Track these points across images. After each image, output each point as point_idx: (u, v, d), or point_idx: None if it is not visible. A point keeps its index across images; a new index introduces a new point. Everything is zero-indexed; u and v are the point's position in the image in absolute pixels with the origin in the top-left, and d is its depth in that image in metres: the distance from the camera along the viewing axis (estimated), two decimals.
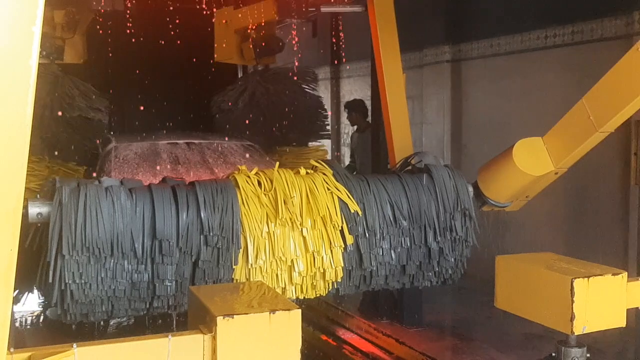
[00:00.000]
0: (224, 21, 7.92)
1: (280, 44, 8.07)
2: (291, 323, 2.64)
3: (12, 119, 1.85)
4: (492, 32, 8.57)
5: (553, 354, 3.46)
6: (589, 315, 3.20)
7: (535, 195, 4.80)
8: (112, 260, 3.72)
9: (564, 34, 7.49)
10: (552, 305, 3.30)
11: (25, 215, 3.52)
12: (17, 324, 6.72)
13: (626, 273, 3.36)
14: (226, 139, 7.09)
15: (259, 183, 4.18)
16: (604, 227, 6.98)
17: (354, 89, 12.34)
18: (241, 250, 3.97)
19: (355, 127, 9.04)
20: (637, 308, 3.49)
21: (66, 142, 6.70)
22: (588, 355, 3.41)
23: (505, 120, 8.30)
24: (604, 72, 3.97)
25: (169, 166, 6.17)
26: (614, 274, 3.31)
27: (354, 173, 6.48)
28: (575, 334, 3.24)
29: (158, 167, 6.09)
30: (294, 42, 9.46)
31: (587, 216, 7.21)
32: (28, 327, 6.86)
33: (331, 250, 4.14)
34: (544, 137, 4.39)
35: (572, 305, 3.17)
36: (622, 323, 3.35)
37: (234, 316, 2.57)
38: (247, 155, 6.68)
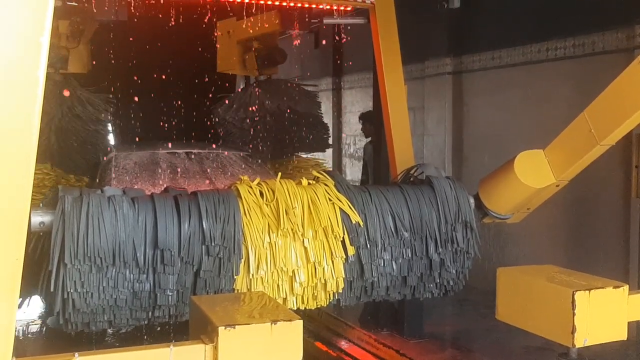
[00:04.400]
0: (226, 32, 7.95)
1: (283, 55, 8.09)
2: (293, 333, 2.65)
3: (19, 129, 1.86)
4: (494, 45, 8.60)
5: None
6: (590, 328, 3.20)
7: (537, 207, 4.81)
8: (114, 270, 3.72)
9: (566, 46, 7.53)
10: (553, 317, 3.30)
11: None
12: (17, 333, 6.71)
13: (627, 286, 3.36)
14: (226, 149, 7.12)
15: (261, 193, 4.19)
16: (605, 239, 6.98)
17: (356, 100, 12.37)
18: (242, 261, 3.98)
19: (370, 138, 9.04)
20: (639, 321, 3.49)
21: (69, 151, 6.72)
22: None
23: (506, 132, 8.32)
24: (605, 85, 3.99)
25: (168, 176, 6.18)
26: (615, 287, 3.31)
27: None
28: (577, 346, 3.24)
29: (157, 177, 6.10)
30: (296, 53, 9.50)
31: (588, 228, 7.22)
32: (28, 335, 6.85)
33: (332, 261, 4.14)
34: (545, 149, 4.40)
35: (573, 317, 3.17)
36: (624, 336, 3.35)
37: (236, 326, 2.57)
38: (247, 166, 6.70)
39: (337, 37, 12.15)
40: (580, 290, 3.20)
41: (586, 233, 7.23)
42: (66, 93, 6.39)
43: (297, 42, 9.61)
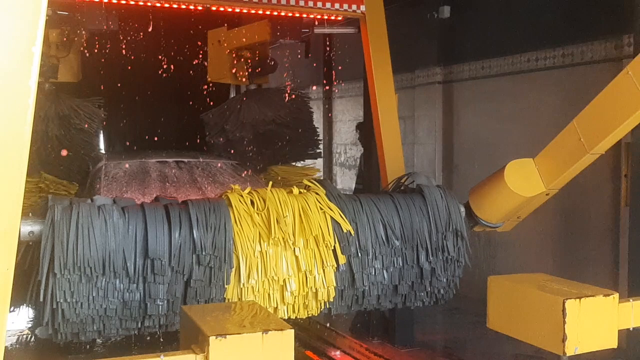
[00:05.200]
0: (217, 41, 7.95)
1: (273, 64, 8.10)
2: (284, 343, 2.64)
3: (11, 139, 1.85)
4: (483, 54, 8.66)
5: None
6: (580, 336, 3.21)
7: (527, 215, 4.83)
8: (104, 279, 3.69)
9: (555, 56, 7.58)
10: (544, 326, 3.31)
11: None
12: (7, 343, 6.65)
13: (617, 294, 3.37)
14: (215, 158, 7.12)
15: (252, 202, 4.19)
16: (595, 247, 7.01)
17: (346, 109, 12.40)
18: (233, 270, 3.96)
19: None
20: (629, 329, 3.50)
21: (59, 160, 6.69)
22: None
23: (496, 141, 8.36)
24: (595, 94, 4.01)
25: (158, 185, 6.17)
26: (605, 295, 3.32)
27: None
28: (567, 355, 3.24)
29: (147, 186, 6.09)
30: (286, 62, 9.52)
31: (578, 237, 7.25)
32: (17, 346, 6.80)
33: (323, 270, 4.13)
34: (535, 158, 4.42)
35: (564, 326, 3.18)
36: (614, 344, 3.36)
37: (227, 336, 2.56)
38: (237, 175, 6.69)
39: (327, 47, 12.19)
40: (570, 298, 3.21)
41: (576, 241, 7.26)
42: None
43: (288, 51, 9.62)
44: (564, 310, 3.18)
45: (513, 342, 3.64)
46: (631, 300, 3.45)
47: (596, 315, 3.27)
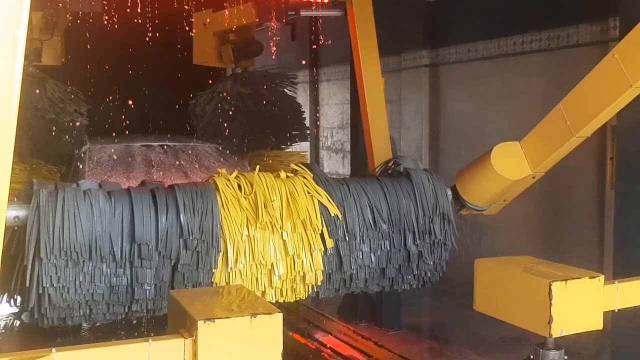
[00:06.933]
0: (203, 24, 7.89)
1: (259, 47, 8.05)
2: (272, 327, 2.64)
3: None
4: (470, 37, 8.65)
5: (531, 357, 3.49)
6: (566, 318, 3.23)
7: (513, 198, 4.85)
8: (91, 264, 3.68)
9: (541, 39, 7.58)
10: (530, 308, 3.32)
11: None
12: None
13: (603, 276, 3.39)
14: (201, 142, 7.08)
15: (239, 186, 4.18)
16: (580, 230, 7.07)
17: (333, 92, 12.37)
18: (221, 254, 3.96)
19: None
20: (614, 311, 3.53)
21: (43, 145, 6.63)
22: (565, 357, 3.44)
23: (482, 124, 8.38)
24: (580, 77, 4.02)
25: (143, 169, 6.14)
26: (591, 277, 3.34)
27: None
28: (553, 336, 3.26)
29: (132, 170, 6.06)
30: (272, 45, 9.47)
31: (564, 220, 7.30)
32: (2, 331, 6.78)
33: (311, 254, 4.14)
34: (522, 141, 4.43)
35: (550, 308, 3.20)
36: (599, 326, 3.38)
37: (215, 320, 2.55)
38: (223, 159, 6.67)
39: (314, 29, 12.13)
40: (556, 280, 3.22)
41: (562, 224, 7.30)
42: None
43: (274, 34, 9.57)
44: (550, 292, 3.19)
45: (500, 324, 3.66)
46: (616, 282, 3.48)
47: (582, 297, 3.29)
